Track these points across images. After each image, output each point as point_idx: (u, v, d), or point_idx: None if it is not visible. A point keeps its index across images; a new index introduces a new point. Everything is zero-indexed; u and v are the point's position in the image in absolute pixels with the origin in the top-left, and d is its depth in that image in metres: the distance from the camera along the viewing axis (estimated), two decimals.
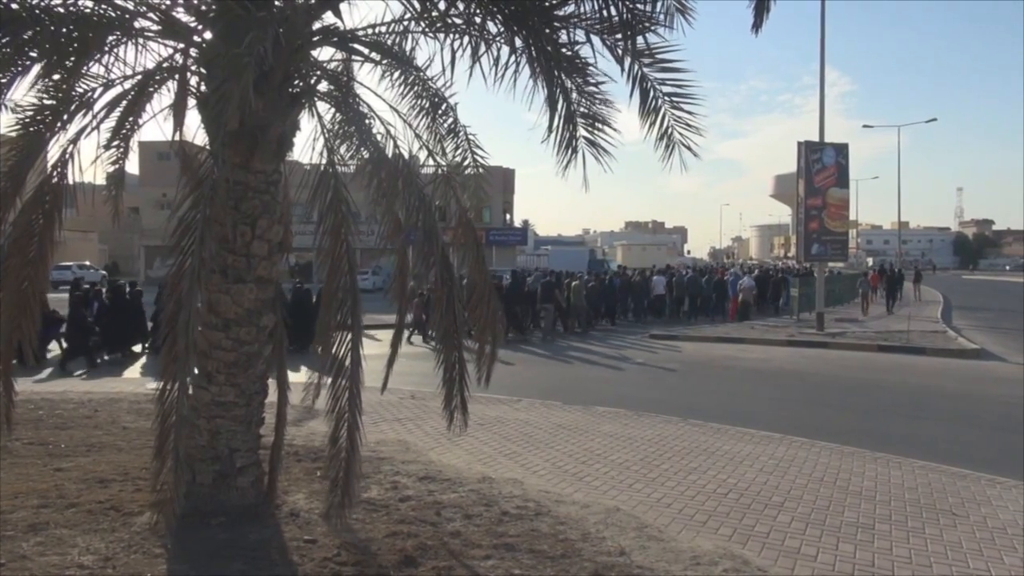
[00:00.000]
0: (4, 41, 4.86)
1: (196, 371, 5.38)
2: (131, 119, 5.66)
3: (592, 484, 6.72)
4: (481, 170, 6.91)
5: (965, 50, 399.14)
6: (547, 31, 5.64)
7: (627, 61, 5.80)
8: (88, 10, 5.07)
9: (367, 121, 5.78)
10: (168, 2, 5.50)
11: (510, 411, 9.92)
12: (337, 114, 6.07)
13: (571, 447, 8.05)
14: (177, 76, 5.21)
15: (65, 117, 5.28)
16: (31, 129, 5.24)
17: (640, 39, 5.68)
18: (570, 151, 6.21)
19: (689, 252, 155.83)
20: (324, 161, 5.66)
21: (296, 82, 5.53)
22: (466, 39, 5.90)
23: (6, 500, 5.47)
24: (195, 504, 5.28)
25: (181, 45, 5.40)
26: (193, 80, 5.38)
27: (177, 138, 4.78)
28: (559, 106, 5.87)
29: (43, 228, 5.45)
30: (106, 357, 15.01)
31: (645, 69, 5.87)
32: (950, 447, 8.62)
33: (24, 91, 5.25)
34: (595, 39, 5.72)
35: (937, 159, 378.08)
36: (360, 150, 5.77)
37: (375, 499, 5.92)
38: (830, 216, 22.81)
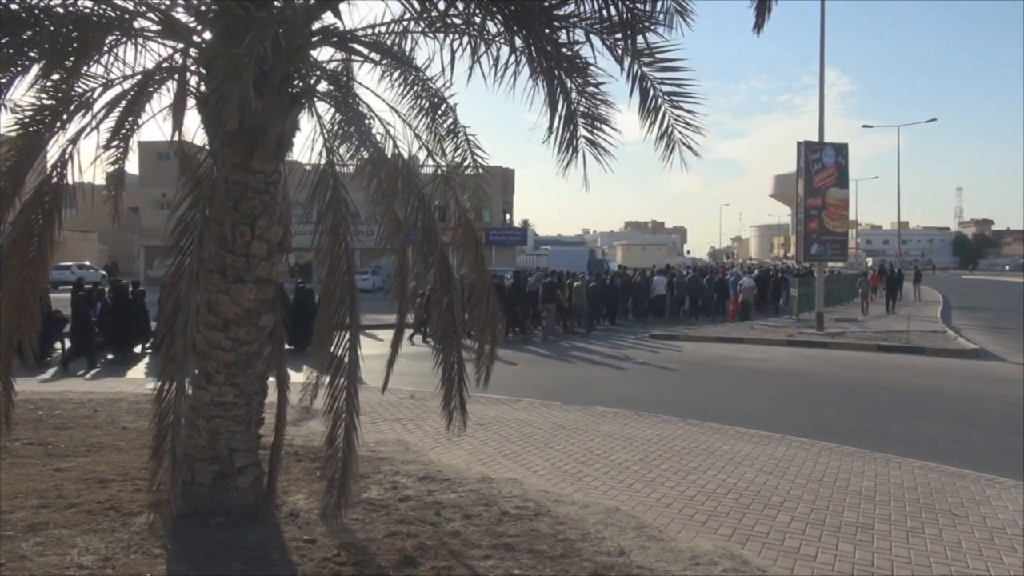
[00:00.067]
0: (4, 41, 4.85)
1: (196, 371, 5.39)
2: (130, 119, 5.66)
3: (592, 484, 6.72)
4: (481, 170, 6.91)
5: (965, 50, 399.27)
6: (547, 31, 5.64)
7: (627, 60, 5.80)
8: (87, 10, 5.07)
9: (367, 121, 5.78)
10: (168, 2, 5.50)
11: (510, 411, 9.92)
12: (337, 114, 6.07)
13: (571, 447, 8.05)
14: (176, 76, 5.22)
15: (64, 117, 5.28)
16: (30, 129, 5.24)
17: (640, 38, 5.69)
18: (570, 151, 6.21)
19: (689, 252, 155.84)
20: (323, 161, 5.66)
21: (296, 82, 5.54)
22: (466, 39, 5.91)
23: (6, 500, 5.47)
24: (195, 504, 5.28)
25: (181, 45, 5.40)
26: (192, 80, 5.38)
27: (176, 138, 4.78)
28: (559, 106, 5.87)
29: (43, 228, 5.45)
30: (109, 357, 15.03)
31: (645, 68, 5.88)
32: (949, 447, 8.62)
33: (24, 91, 5.26)
34: (595, 39, 5.72)
35: (937, 159, 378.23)
36: (360, 150, 5.78)
37: (375, 499, 5.92)
38: (830, 216, 22.82)
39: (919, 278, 36.86)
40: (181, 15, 5.48)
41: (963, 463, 7.63)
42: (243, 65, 4.28)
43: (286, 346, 7.19)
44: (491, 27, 5.81)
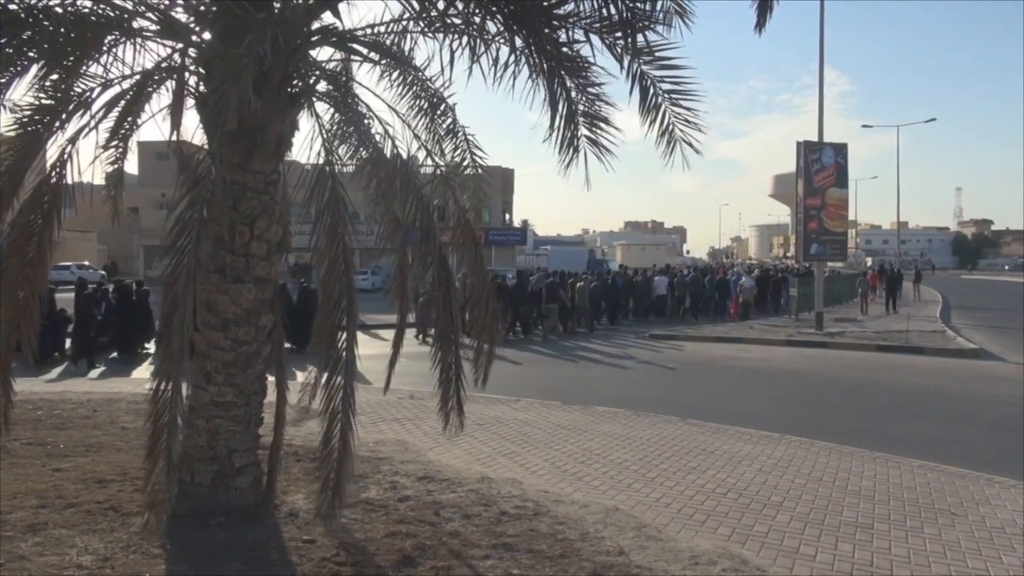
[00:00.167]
0: (3, 42, 4.85)
1: (195, 371, 5.39)
2: (130, 119, 5.66)
3: (591, 484, 6.72)
4: (480, 170, 6.91)
5: (964, 50, 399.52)
6: (547, 30, 5.64)
7: (626, 59, 5.79)
8: (86, 10, 5.07)
9: (366, 121, 5.78)
10: (167, 2, 5.50)
11: (509, 411, 9.92)
12: (336, 114, 6.07)
13: (570, 447, 8.05)
14: (175, 76, 5.21)
15: (63, 117, 5.28)
16: (29, 129, 5.24)
17: (639, 37, 5.68)
18: (572, 150, 6.20)
19: (688, 252, 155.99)
20: (322, 160, 5.66)
21: (295, 82, 5.53)
22: (465, 39, 5.90)
23: (5, 500, 5.47)
24: (194, 504, 5.28)
25: (180, 45, 5.40)
26: (191, 80, 5.38)
27: (175, 138, 4.78)
28: (560, 105, 5.86)
29: (42, 228, 5.45)
30: (112, 356, 15.04)
31: (644, 67, 5.87)
32: (949, 447, 8.63)
33: (23, 91, 5.26)
34: (594, 38, 5.71)
35: (936, 159, 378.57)
36: (359, 150, 5.77)
37: (374, 499, 5.91)
38: (829, 216, 22.83)
39: (919, 278, 36.86)
40: (180, 15, 5.49)
41: (962, 463, 7.63)
42: (242, 66, 4.28)
43: (288, 346, 7.19)
44: (491, 27, 5.81)
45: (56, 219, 5.44)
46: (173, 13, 5.46)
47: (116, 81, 5.43)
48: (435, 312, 5.50)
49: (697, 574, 4.75)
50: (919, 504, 6.32)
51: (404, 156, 5.86)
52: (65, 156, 5.31)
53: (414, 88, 6.59)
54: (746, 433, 8.78)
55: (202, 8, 5.30)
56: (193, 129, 5.42)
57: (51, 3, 4.92)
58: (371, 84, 7.07)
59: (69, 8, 4.95)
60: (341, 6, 5.57)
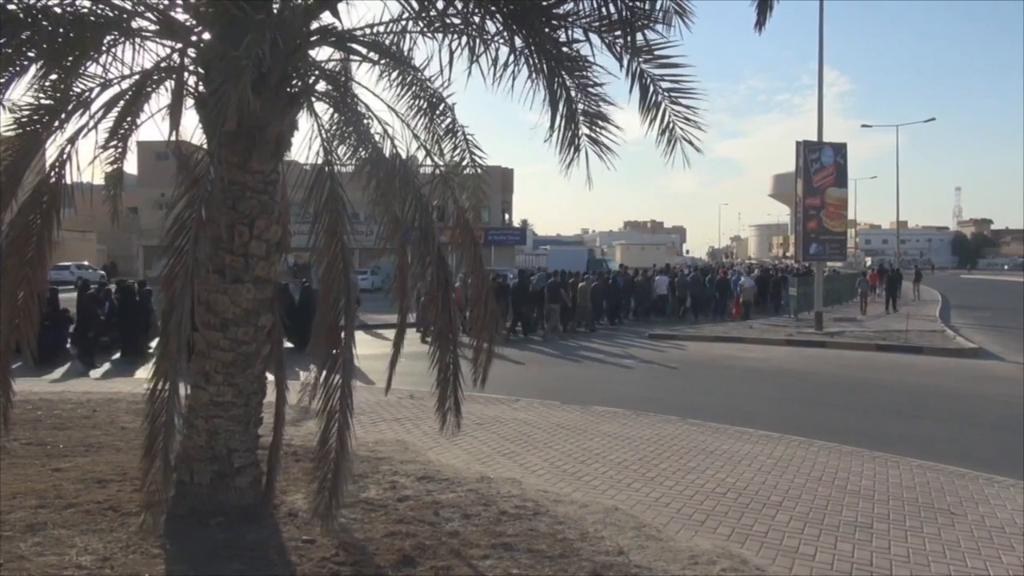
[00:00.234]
0: (2, 41, 4.85)
1: (194, 371, 5.39)
2: (129, 119, 5.66)
3: (590, 484, 6.72)
4: (479, 170, 6.90)
5: (964, 50, 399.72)
6: (546, 30, 5.64)
7: (626, 58, 5.79)
8: (85, 10, 5.07)
9: (365, 121, 5.78)
10: (166, 2, 5.50)
11: (509, 411, 9.92)
12: (335, 114, 6.07)
13: (569, 447, 8.05)
14: (174, 76, 5.21)
15: (63, 117, 5.27)
16: (28, 129, 5.24)
17: (639, 36, 5.68)
18: (573, 149, 6.20)
19: (688, 252, 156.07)
20: (320, 160, 5.66)
21: (294, 82, 5.53)
22: (464, 39, 5.90)
23: (4, 500, 5.46)
24: (193, 504, 5.28)
25: (179, 45, 5.39)
26: (191, 80, 5.38)
27: (174, 138, 4.78)
28: (560, 105, 5.86)
29: (41, 228, 5.45)
30: (115, 357, 15.04)
31: (644, 65, 5.87)
32: (948, 446, 8.63)
33: (22, 91, 5.26)
34: (594, 37, 5.71)
35: (936, 159, 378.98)
36: (358, 150, 5.77)
37: (373, 499, 5.91)
38: (828, 216, 22.83)
39: (919, 277, 36.85)
40: (179, 15, 5.48)
41: (962, 462, 7.63)
42: (241, 67, 4.28)
43: (289, 345, 7.19)
44: (490, 26, 5.80)
45: (55, 219, 5.44)
46: (172, 13, 5.45)
47: (115, 81, 5.43)
48: (433, 312, 5.49)
49: (697, 574, 4.75)
50: (918, 504, 6.32)
51: (403, 156, 5.86)
52: (64, 156, 5.31)
53: (413, 88, 6.59)
54: (746, 433, 8.79)
55: (201, 9, 5.30)
56: (192, 129, 5.42)
57: (50, 3, 4.92)
58: (370, 84, 7.06)
59: (68, 8, 4.95)
60: (340, 6, 5.58)
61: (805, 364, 15.43)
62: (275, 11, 5.18)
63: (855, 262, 70.62)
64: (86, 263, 42.57)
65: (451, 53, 5.93)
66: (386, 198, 5.42)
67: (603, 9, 5.56)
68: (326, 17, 5.60)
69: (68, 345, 15.40)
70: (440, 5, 5.84)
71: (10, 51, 4.95)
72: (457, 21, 5.89)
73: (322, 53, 6.06)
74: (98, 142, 5.54)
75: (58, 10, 4.89)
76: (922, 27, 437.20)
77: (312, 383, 5.16)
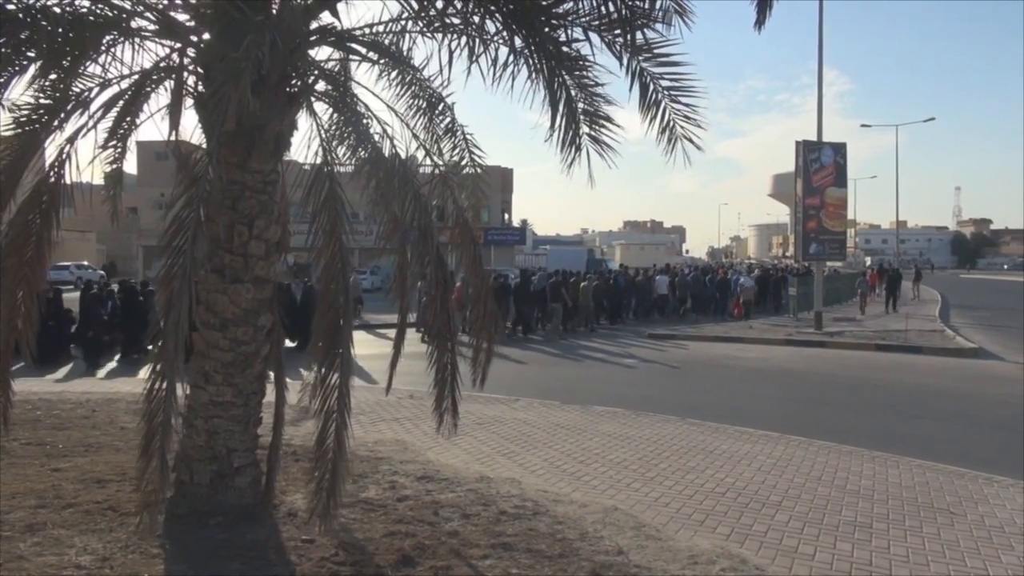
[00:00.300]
0: (1, 41, 4.85)
1: (193, 371, 5.39)
2: (128, 119, 5.66)
3: (590, 483, 6.72)
4: (479, 170, 6.89)
5: (963, 50, 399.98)
6: (546, 29, 5.64)
7: (626, 57, 5.79)
8: (85, 10, 5.06)
9: (364, 121, 5.78)
10: (165, 2, 5.50)
11: (508, 410, 9.92)
12: (335, 114, 6.06)
13: (569, 446, 8.05)
14: (174, 76, 5.21)
15: (62, 116, 5.27)
16: (27, 128, 5.24)
17: (639, 35, 5.68)
18: (574, 149, 6.19)
19: (687, 252, 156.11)
20: (319, 160, 5.66)
21: (294, 82, 5.53)
22: (464, 39, 5.90)
23: (4, 500, 5.46)
24: (193, 504, 5.28)
25: (178, 45, 5.39)
26: (190, 80, 5.37)
27: (174, 138, 4.78)
28: (561, 104, 5.85)
29: (40, 228, 5.45)
30: (117, 357, 15.04)
31: (644, 64, 5.86)
32: (948, 446, 8.63)
33: (21, 91, 5.25)
34: (593, 36, 5.71)
35: (935, 158, 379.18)
36: (357, 150, 5.76)
37: (373, 499, 5.91)
38: (828, 215, 22.82)
39: (919, 277, 36.84)
40: (179, 15, 5.48)
41: (961, 462, 7.64)
42: (241, 70, 4.29)
43: (291, 344, 7.17)
44: (490, 26, 5.80)
45: (55, 219, 5.44)
46: (172, 13, 5.45)
47: (115, 81, 5.43)
48: (431, 312, 5.48)
49: (696, 573, 4.75)
50: (918, 503, 6.32)
51: (402, 155, 5.87)
52: (64, 156, 5.31)
53: (412, 88, 6.59)
54: (745, 432, 8.79)
55: (201, 10, 5.29)
56: (192, 129, 5.42)
57: (49, 3, 4.91)
58: (369, 84, 7.06)
59: (67, 8, 4.95)
60: (340, 6, 5.57)
61: (805, 364, 15.44)
62: (274, 11, 5.17)
63: (855, 262, 70.62)
64: (86, 263, 42.56)
65: (450, 53, 5.93)
66: (385, 198, 5.42)
67: (602, 8, 5.55)
68: (325, 17, 5.61)
69: (71, 345, 15.46)
70: (439, 5, 5.83)
71: (9, 51, 4.95)
72: (456, 21, 5.89)
73: (321, 53, 6.07)
74: (97, 142, 5.55)
75: (57, 10, 4.88)
76: (922, 27, 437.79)
77: (313, 383, 5.16)
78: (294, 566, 4.64)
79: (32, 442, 7.41)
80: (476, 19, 5.77)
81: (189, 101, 5.29)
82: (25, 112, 5.25)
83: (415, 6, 5.84)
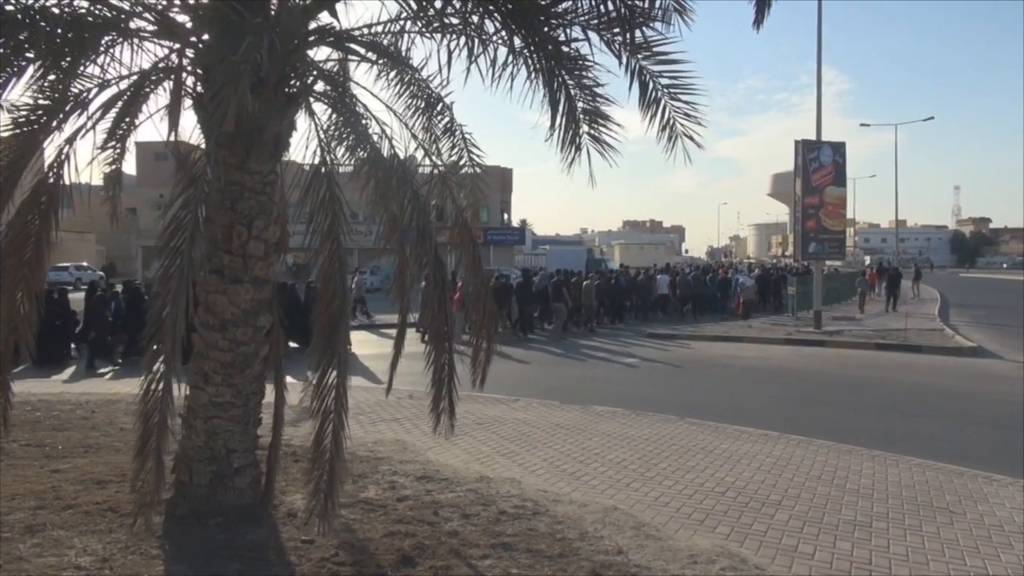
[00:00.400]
0: (0, 42, 4.85)
1: (193, 371, 5.39)
2: (127, 119, 5.66)
3: (590, 483, 6.72)
4: (477, 169, 6.89)
5: (963, 49, 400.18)
6: (545, 29, 5.64)
7: (625, 56, 5.79)
8: (83, 10, 5.06)
9: (363, 121, 5.77)
10: (164, 2, 5.50)
11: (508, 410, 9.92)
12: (333, 114, 6.06)
13: (569, 446, 8.05)
14: (173, 77, 5.21)
15: (61, 117, 5.27)
16: (25, 129, 5.23)
17: (638, 33, 5.68)
18: (574, 148, 6.19)
19: (687, 251, 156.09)
20: (317, 160, 5.66)
21: (292, 82, 5.53)
22: (463, 39, 5.90)
23: (3, 502, 5.46)
24: (192, 504, 5.28)
25: (177, 45, 5.39)
26: (189, 80, 5.37)
27: (172, 138, 4.78)
28: (561, 104, 5.86)
29: (39, 229, 5.45)
30: (126, 359, 15.05)
31: (643, 62, 5.85)
32: (947, 445, 8.63)
33: (20, 91, 5.25)
34: (592, 35, 5.71)
35: (935, 157, 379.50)
36: (356, 150, 5.76)
37: (373, 499, 5.91)
38: (827, 214, 22.81)
39: (918, 276, 36.85)
40: (178, 15, 5.48)
41: (961, 461, 7.64)
42: (239, 72, 4.29)
43: (294, 345, 7.11)
44: (489, 26, 5.80)
45: (54, 220, 5.44)
46: (171, 14, 5.45)
47: (113, 81, 5.43)
48: (429, 312, 5.48)
49: (696, 573, 4.75)
50: (917, 502, 6.32)
51: (401, 156, 5.87)
52: (63, 157, 5.31)
53: (411, 87, 6.59)
54: (745, 432, 8.79)
55: (200, 12, 5.29)
56: (191, 129, 5.42)
57: (48, 3, 4.91)
58: (368, 84, 7.07)
59: (66, 9, 4.95)
60: (338, 6, 5.58)
61: (804, 363, 15.44)
62: (273, 12, 5.17)
63: (854, 261, 70.66)
64: (85, 264, 42.57)
65: (449, 53, 5.93)
66: (384, 198, 5.42)
67: (601, 7, 5.55)
68: (324, 17, 5.62)
69: (73, 346, 15.52)
70: (438, 5, 5.83)
71: (8, 51, 4.95)
72: (455, 21, 5.89)
73: (320, 53, 6.07)
74: (96, 143, 5.55)
75: (56, 11, 4.88)
76: (921, 26, 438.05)
77: (313, 383, 5.15)
78: (294, 566, 4.64)
79: (32, 443, 7.41)
80: (475, 19, 5.77)
81: (188, 102, 5.29)
82: (24, 113, 5.25)
83: (414, 6, 5.84)
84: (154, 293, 13.91)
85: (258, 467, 5.65)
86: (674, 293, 25.87)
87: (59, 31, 4.89)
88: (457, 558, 4.80)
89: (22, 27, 4.83)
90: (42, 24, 4.82)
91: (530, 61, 5.70)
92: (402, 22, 6.00)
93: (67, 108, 5.28)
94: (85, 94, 5.37)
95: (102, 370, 14.19)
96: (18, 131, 5.24)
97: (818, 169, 22.54)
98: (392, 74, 6.53)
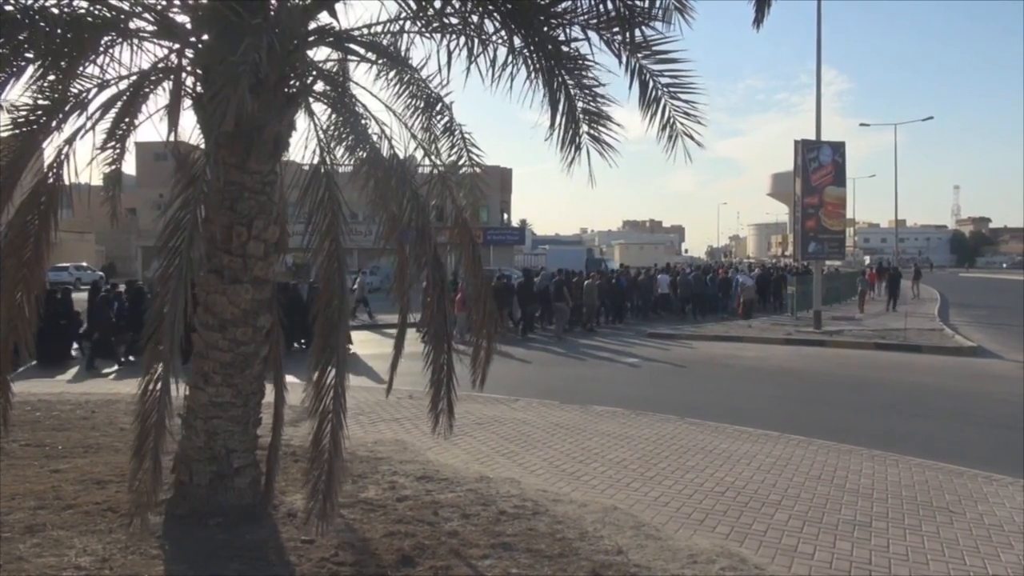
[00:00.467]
0: None
1: (193, 372, 5.39)
2: (127, 120, 5.66)
3: (589, 483, 6.72)
4: (477, 169, 6.89)
5: (962, 49, 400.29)
6: (545, 28, 5.64)
7: (625, 55, 5.79)
8: (83, 11, 5.06)
9: (363, 121, 5.77)
10: (163, 3, 5.50)
11: (508, 410, 9.92)
12: (333, 114, 6.06)
13: (568, 446, 8.05)
14: (172, 77, 5.21)
15: (60, 117, 5.27)
16: (24, 129, 5.23)
17: (637, 32, 5.68)
18: (574, 148, 6.19)
19: (687, 251, 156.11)
20: (316, 160, 5.66)
21: (292, 82, 5.53)
22: (462, 39, 5.90)
23: (3, 502, 5.46)
24: (192, 505, 5.28)
25: (176, 46, 5.39)
26: (189, 80, 5.37)
27: (172, 138, 4.78)
28: (560, 104, 5.86)
29: (39, 229, 5.45)
30: (131, 358, 15.07)
31: (643, 62, 5.85)
32: (947, 445, 8.63)
33: (19, 92, 5.25)
34: (592, 34, 5.71)
35: (934, 157, 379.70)
36: (356, 150, 5.76)
37: (373, 499, 5.91)
38: (827, 214, 22.80)
39: (918, 276, 36.84)
40: (177, 16, 5.48)
41: (960, 461, 7.64)
42: (238, 73, 4.29)
43: (297, 344, 7.05)
44: (488, 26, 5.80)
45: (53, 220, 5.44)
46: (170, 14, 5.45)
47: (113, 82, 5.43)
48: (428, 312, 5.47)
49: (696, 572, 4.75)
50: (917, 502, 6.32)
51: (401, 155, 5.87)
52: (62, 157, 5.31)
53: (410, 87, 6.59)
54: (744, 432, 8.79)
55: (200, 12, 5.29)
56: (191, 129, 5.42)
57: (47, 3, 4.91)
58: (367, 84, 7.07)
59: (65, 9, 4.95)
60: (338, 6, 5.58)
61: (804, 363, 15.44)
62: (272, 12, 5.17)
63: (854, 261, 70.67)
64: (84, 264, 42.56)
65: (449, 53, 5.93)
66: (384, 198, 5.42)
67: (601, 7, 5.55)
68: (324, 17, 5.62)
69: (77, 346, 15.54)
70: (437, 4, 5.84)
71: (7, 52, 4.95)
72: (455, 21, 5.89)
73: (320, 53, 6.07)
74: (96, 143, 5.55)
75: (55, 11, 4.89)
76: (921, 26, 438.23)
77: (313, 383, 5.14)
78: (293, 566, 4.64)
79: (32, 443, 7.41)
80: (474, 19, 5.77)
81: (188, 102, 5.29)
82: (23, 113, 5.26)
83: (413, 6, 5.84)
84: (153, 293, 13.83)
85: (258, 467, 5.65)
86: (675, 293, 25.93)
87: (58, 31, 4.89)
88: (457, 558, 4.80)
89: (22, 27, 4.83)
90: (42, 24, 4.82)
91: (530, 61, 5.70)
92: (401, 22, 6.00)
93: (66, 108, 5.28)
94: (84, 94, 5.37)
95: (106, 370, 14.21)
96: (18, 131, 5.24)
97: (818, 169, 22.54)
98: (391, 74, 6.54)
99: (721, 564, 4.87)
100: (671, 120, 6.11)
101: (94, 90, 5.40)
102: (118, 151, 5.98)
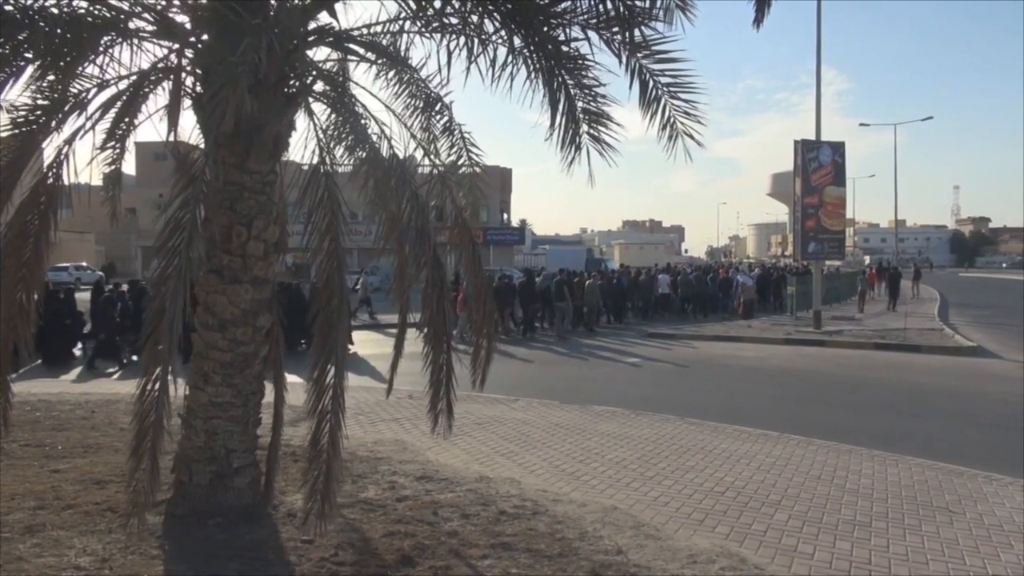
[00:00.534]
0: None
1: (193, 371, 5.39)
2: (126, 120, 5.66)
3: (589, 483, 6.72)
4: (477, 169, 6.89)
5: (962, 48, 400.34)
6: (545, 28, 5.63)
7: (625, 55, 5.78)
8: (83, 11, 5.06)
9: (363, 121, 5.77)
10: (163, 3, 5.50)
11: (508, 410, 9.92)
12: (333, 114, 6.06)
13: (568, 446, 8.05)
14: (172, 77, 5.21)
15: (60, 117, 5.27)
16: (24, 129, 5.23)
17: (637, 32, 5.68)
18: (574, 148, 6.18)
19: (687, 251, 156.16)
20: (315, 160, 5.66)
21: (292, 82, 5.53)
22: (462, 39, 5.90)
23: (3, 502, 5.46)
24: (192, 505, 5.28)
25: (176, 46, 5.39)
26: (188, 80, 5.37)
27: (172, 138, 4.78)
28: (561, 103, 5.85)
29: (39, 229, 5.45)
30: (135, 358, 15.09)
31: (643, 61, 5.84)
32: (947, 444, 8.63)
33: (19, 92, 5.25)
34: (592, 34, 5.71)
35: (934, 157, 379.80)
36: (355, 150, 5.76)
37: (372, 499, 5.91)
38: (827, 214, 22.80)
39: (918, 275, 36.84)
40: (177, 16, 5.48)
41: (960, 460, 7.64)
42: (237, 74, 4.29)
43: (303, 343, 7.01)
44: (488, 26, 5.80)
45: (53, 220, 5.44)
46: (170, 14, 5.45)
47: (113, 82, 5.43)
48: (427, 312, 5.47)
49: (695, 572, 4.75)
50: (917, 502, 6.32)
51: (400, 155, 5.87)
52: (62, 157, 5.31)
53: (410, 87, 6.58)
54: (744, 432, 8.79)
55: (199, 12, 5.29)
56: (190, 129, 5.43)
57: (47, 3, 4.91)
58: (367, 83, 7.07)
59: (65, 9, 4.95)
60: (337, 6, 5.58)
61: (804, 363, 15.44)
62: (272, 12, 5.17)
63: (854, 261, 70.69)
64: (84, 264, 42.56)
65: (449, 53, 5.93)
66: (383, 198, 5.42)
67: (601, 7, 5.55)
68: (323, 17, 5.61)
69: (80, 346, 15.54)
70: (437, 4, 5.83)
71: (7, 52, 4.95)
72: (455, 21, 5.89)
73: (319, 53, 6.07)
74: (95, 143, 5.54)
75: (55, 11, 4.88)
76: (920, 26, 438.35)
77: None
78: (293, 566, 4.64)
79: (31, 443, 7.41)
80: (474, 19, 5.77)
81: (187, 102, 5.29)
82: (23, 113, 5.26)
83: (413, 6, 5.84)
84: (152, 293, 13.74)
85: (258, 467, 5.65)
86: (675, 293, 25.96)
87: (58, 31, 4.89)
88: (457, 558, 4.80)
89: (21, 27, 4.83)
90: (41, 24, 4.81)
91: (530, 61, 5.70)
92: (401, 22, 6.00)
93: (66, 108, 5.28)
94: (84, 94, 5.37)
95: (109, 370, 14.22)
96: (17, 131, 5.24)
97: (817, 169, 22.54)
98: (391, 74, 6.54)
99: (721, 564, 4.87)
100: (671, 120, 6.10)
101: (94, 90, 5.40)
102: (118, 151, 5.98)
